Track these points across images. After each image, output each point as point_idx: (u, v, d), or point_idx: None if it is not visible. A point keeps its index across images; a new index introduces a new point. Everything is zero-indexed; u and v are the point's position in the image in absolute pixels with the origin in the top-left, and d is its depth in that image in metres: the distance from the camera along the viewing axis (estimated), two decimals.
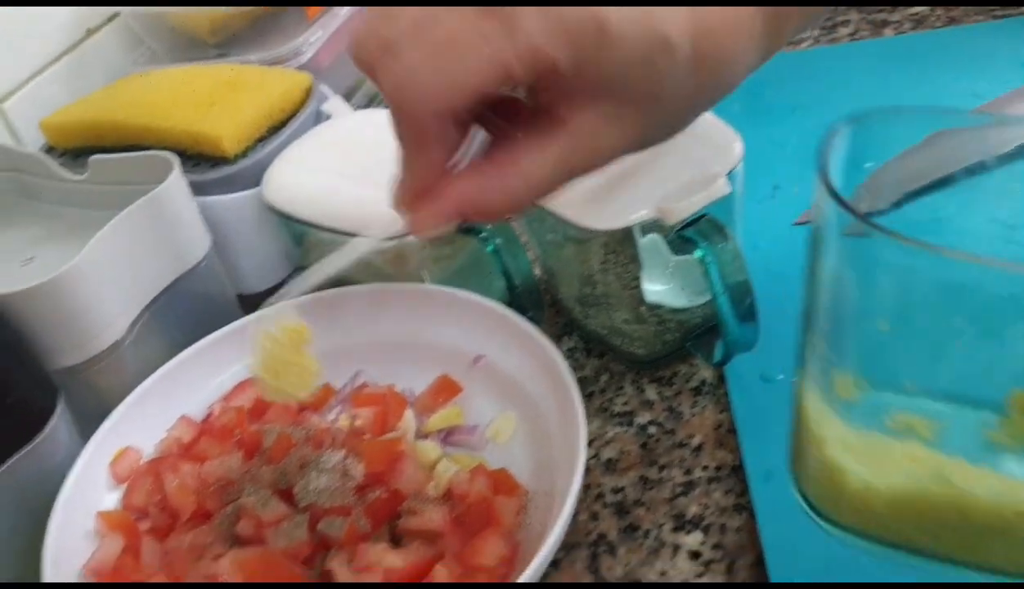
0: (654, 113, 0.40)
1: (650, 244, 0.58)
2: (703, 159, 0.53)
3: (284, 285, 0.66)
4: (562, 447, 0.51)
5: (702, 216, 0.52)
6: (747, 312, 0.52)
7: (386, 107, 0.39)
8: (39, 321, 0.52)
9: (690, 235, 0.51)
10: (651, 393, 0.58)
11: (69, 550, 0.49)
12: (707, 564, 0.49)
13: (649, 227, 0.55)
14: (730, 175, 0.53)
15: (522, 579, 0.42)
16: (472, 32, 0.35)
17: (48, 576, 0.47)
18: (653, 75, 0.38)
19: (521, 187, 0.40)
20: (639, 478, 0.54)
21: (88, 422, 0.55)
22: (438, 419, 0.56)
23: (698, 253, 0.51)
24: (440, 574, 0.46)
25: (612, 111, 0.39)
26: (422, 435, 0.56)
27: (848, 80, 0.78)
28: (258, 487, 0.49)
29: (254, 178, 0.63)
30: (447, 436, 0.56)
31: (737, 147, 0.54)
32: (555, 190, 0.41)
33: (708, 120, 0.56)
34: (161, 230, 0.57)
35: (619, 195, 0.53)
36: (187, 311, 0.60)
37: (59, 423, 0.52)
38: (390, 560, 0.46)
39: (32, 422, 0.51)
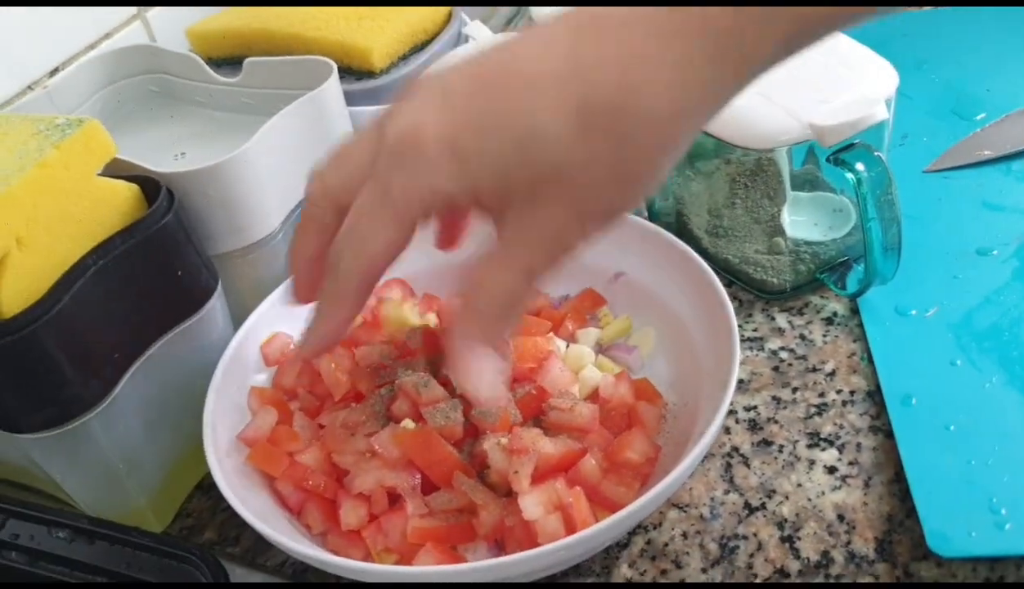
0: (571, 192, 0.37)
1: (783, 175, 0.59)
2: (856, 83, 0.54)
3: None
4: (708, 361, 0.52)
5: (853, 143, 0.53)
6: (893, 241, 0.53)
7: None
8: (206, 203, 0.54)
9: (846, 158, 0.52)
10: (782, 321, 0.59)
11: (223, 419, 0.51)
12: (843, 478, 0.50)
13: (799, 151, 0.56)
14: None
15: (668, 482, 0.43)
16: (364, 210, 0.40)
17: (208, 440, 0.49)
18: (532, 165, 0.37)
19: (487, 300, 0.40)
20: (771, 398, 0.55)
21: (237, 310, 0.57)
22: (611, 331, 0.58)
23: (853, 176, 0.52)
24: (588, 465, 0.48)
25: (523, 205, 0.38)
26: (572, 339, 0.57)
27: (971, 39, 0.78)
28: (415, 371, 0.50)
29: (396, 94, 0.65)
30: (605, 349, 0.58)
31: (892, 74, 0.54)
32: (525, 294, 0.41)
33: (858, 48, 0.57)
34: (317, 131, 0.58)
35: (769, 115, 0.54)
36: None
37: (217, 304, 0.54)
38: (544, 445, 0.47)
39: (196, 298, 0.53)
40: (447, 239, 0.49)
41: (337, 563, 0.43)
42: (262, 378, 0.56)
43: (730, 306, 0.51)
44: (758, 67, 0.36)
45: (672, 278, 0.56)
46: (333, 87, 0.59)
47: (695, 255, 0.55)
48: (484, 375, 0.41)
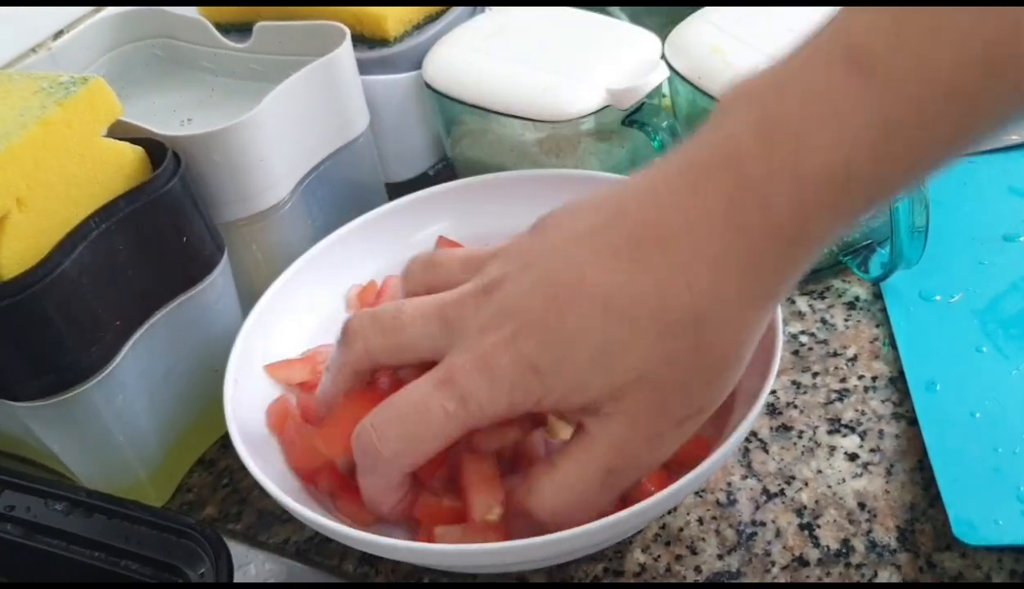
0: (658, 396, 0.38)
1: None
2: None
3: (427, 175, 0.67)
4: None
5: None
6: (921, 223, 0.52)
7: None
8: (213, 169, 0.52)
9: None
10: (802, 305, 0.58)
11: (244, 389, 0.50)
12: (865, 466, 0.49)
13: None
14: None
15: (702, 469, 0.41)
16: (435, 408, 0.39)
17: (228, 399, 0.48)
18: (612, 374, 0.38)
19: (560, 498, 0.41)
20: (791, 382, 0.54)
21: (243, 282, 0.56)
22: None
23: None
24: None
25: (607, 407, 0.39)
26: None
27: None
28: None
29: (410, 63, 0.63)
30: None
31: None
32: (601, 504, 0.41)
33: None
34: (328, 98, 0.57)
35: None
36: (341, 186, 0.60)
37: (222, 274, 0.53)
38: None
39: (201, 267, 0.51)
40: None
41: (358, 536, 0.42)
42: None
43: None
44: (823, 245, 0.37)
45: None
46: (346, 53, 0.57)
47: None
48: None
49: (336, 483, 0.47)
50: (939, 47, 0.32)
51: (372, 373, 0.45)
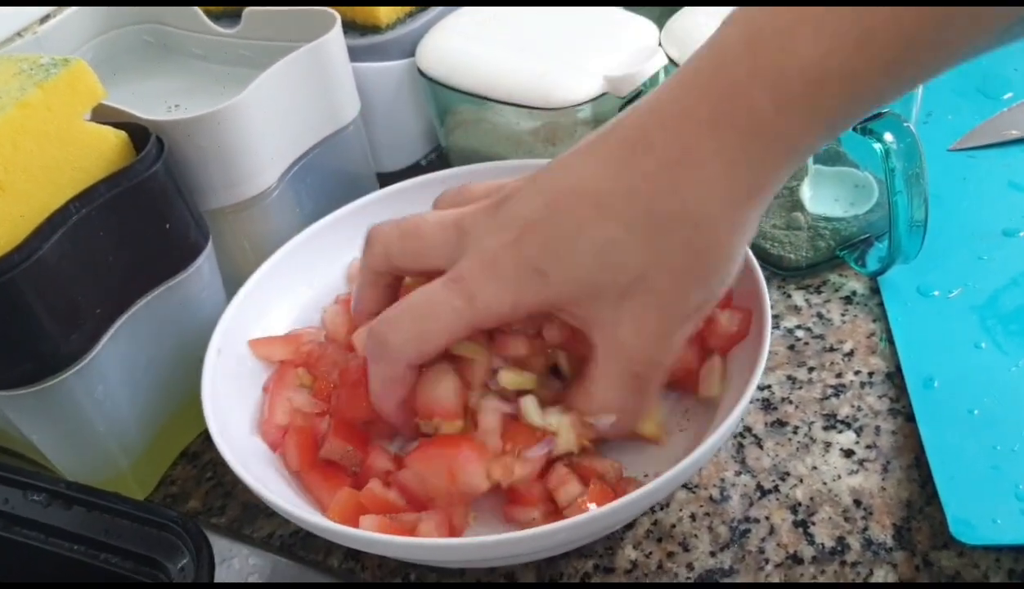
0: (659, 296, 0.40)
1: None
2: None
3: (420, 164, 0.66)
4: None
5: (882, 112, 0.50)
6: (920, 217, 0.51)
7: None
8: (199, 155, 0.51)
9: (874, 127, 0.49)
10: (799, 299, 0.57)
11: (223, 384, 0.49)
12: (861, 462, 0.48)
13: None
14: None
15: (689, 462, 0.40)
16: (443, 303, 0.42)
17: (207, 399, 0.47)
18: (614, 271, 0.40)
19: (602, 410, 0.44)
20: (787, 378, 0.53)
21: (228, 270, 0.55)
22: None
23: (880, 147, 0.49)
24: None
25: (612, 314, 0.41)
26: None
27: None
28: None
29: (402, 50, 0.62)
30: None
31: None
32: (643, 405, 0.44)
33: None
34: (318, 84, 0.56)
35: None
36: (330, 174, 0.59)
37: (207, 262, 0.52)
38: None
39: (184, 254, 0.50)
40: None
41: (338, 530, 0.41)
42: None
43: (759, 269, 0.48)
44: (806, 147, 0.39)
45: None
46: (336, 39, 0.56)
47: None
48: None
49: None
50: None
51: (390, 282, 0.47)
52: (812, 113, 0.37)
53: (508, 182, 0.45)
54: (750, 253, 0.49)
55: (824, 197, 0.58)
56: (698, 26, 0.57)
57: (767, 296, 0.47)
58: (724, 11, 0.56)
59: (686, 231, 0.39)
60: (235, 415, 0.48)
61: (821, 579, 0.43)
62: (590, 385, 0.43)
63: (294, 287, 0.55)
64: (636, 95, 0.56)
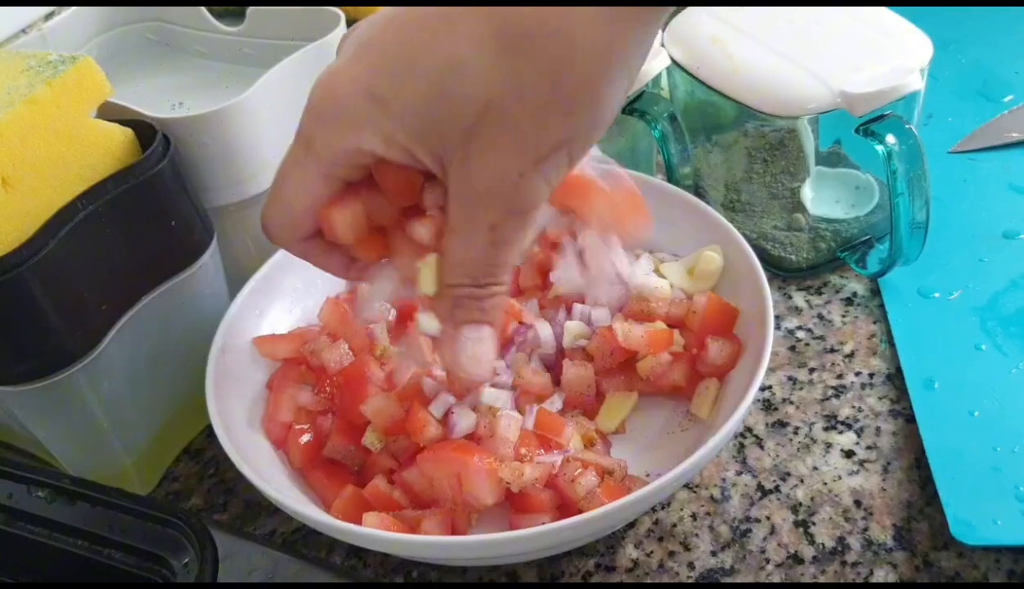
0: (510, 130, 0.34)
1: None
2: (889, 52, 0.52)
3: None
4: (728, 295, 0.50)
5: (884, 114, 0.51)
6: (921, 218, 0.51)
7: None
8: (203, 153, 0.51)
9: (876, 129, 0.50)
10: (799, 300, 0.57)
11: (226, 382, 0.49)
12: (861, 463, 0.48)
13: (827, 128, 0.54)
14: None
15: (692, 462, 0.41)
16: (288, 162, 0.38)
17: (210, 395, 0.47)
18: (455, 101, 0.34)
19: (458, 276, 0.38)
20: (787, 378, 0.53)
21: (231, 268, 0.55)
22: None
23: (883, 149, 0.49)
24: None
25: (461, 151, 0.35)
26: None
27: (1001, 21, 0.75)
28: None
29: None
30: None
31: (926, 43, 0.52)
32: (499, 258, 0.37)
33: (890, 17, 0.54)
34: None
35: (798, 81, 0.52)
36: None
37: (211, 259, 0.52)
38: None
39: (189, 252, 0.51)
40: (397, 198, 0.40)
41: (341, 527, 0.41)
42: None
43: (761, 271, 0.49)
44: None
45: (697, 242, 0.54)
46: (339, 38, 0.56)
47: (723, 219, 0.52)
48: (476, 358, 0.39)
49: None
50: None
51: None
52: None
53: None
54: (752, 255, 0.50)
55: (825, 198, 0.59)
56: (700, 26, 0.57)
57: (770, 301, 0.47)
58: (726, 11, 0.57)
59: (543, 50, 0.33)
60: (239, 412, 0.49)
61: (821, 579, 0.44)
62: (445, 238, 0.38)
63: (297, 285, 0.55)
64: (639, 96, 0.56)
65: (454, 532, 0.44)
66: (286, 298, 0.55)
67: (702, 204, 0.54)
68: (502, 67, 0.33)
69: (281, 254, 0.54)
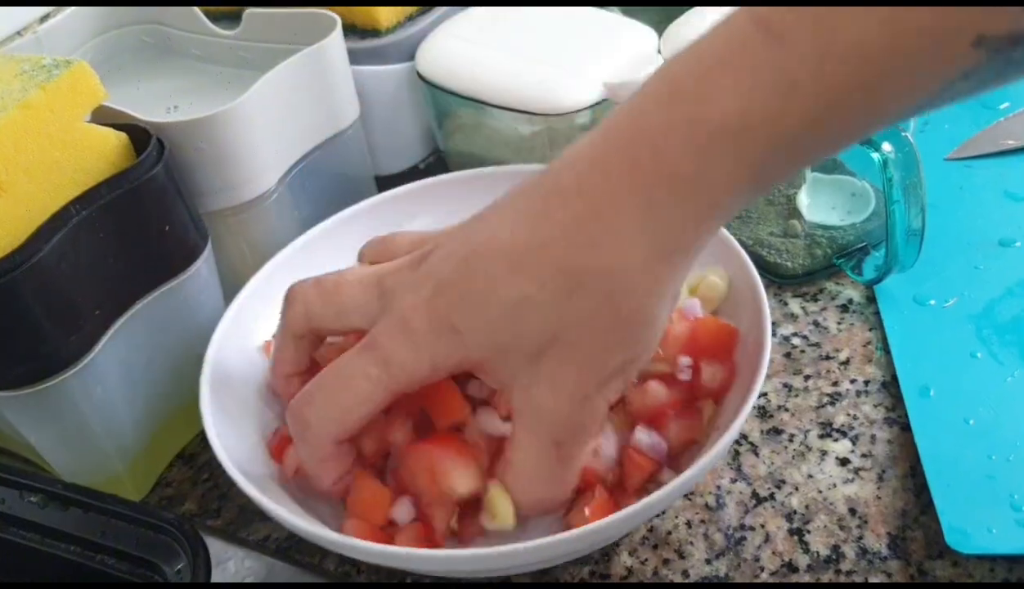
0: (577, 354, 0.38)
1: None
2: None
3: (418, 168, 0.66)
4: (731, 315, 0.50)
5: None
6: (917, 226, 0.51)
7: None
8: (199, 157, 0.51)
9: (873, 136, 0.50)
10: (795, 307, 0.57)
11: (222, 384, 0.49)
12: (856, 471, 0.48)
13: None
14: None
15: (691, 473, 0.41)
16: (358, 373, 0.40)
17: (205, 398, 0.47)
18: (525, 332, 0.38)
19: (524, 489, 0.41)
20: (783, 385, 0.53)
21: (226, 273, 0.55)
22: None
23: (879, 156, 0.49)
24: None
25: (528, 377, 0.39)
26: None
27: None
28: None
29: (402, 54, 0.63)
30: None
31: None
32: (565, 476, 0.41)
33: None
34: (317, 88, 0.56)
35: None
36: (329, 177, 0.59)
37: (205, 265, 0.52)
38: None
39: (183, 257, 0.50)
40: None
41: (334, 539, 0.41)
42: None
43: (758, 278, 0.48)
44: (730, 202, 0.37)
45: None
46: (337, 42, 0.56)
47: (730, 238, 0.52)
48: None
49: None
50: (845, 20, 0.32)
51: (312, 341, 0.45)
52: (733, 165, 0.35)
53: (432, 235, 0.44)
54: (750, 263, 0.49)
55: (821, 205, 0.59)
56: (697, 32, 0.57)
57: (767, 311, 0.47)
58: (719, 16, 0.57)
59: (600, 288, 0.37)
60: (233, 419, 0.48)
61: None
62: (510, 453, 0.41)
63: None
64: None
65: (429, 543, 0.43)
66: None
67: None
68: (564, 302, 0.37)
69: (281, 257, 0.54)
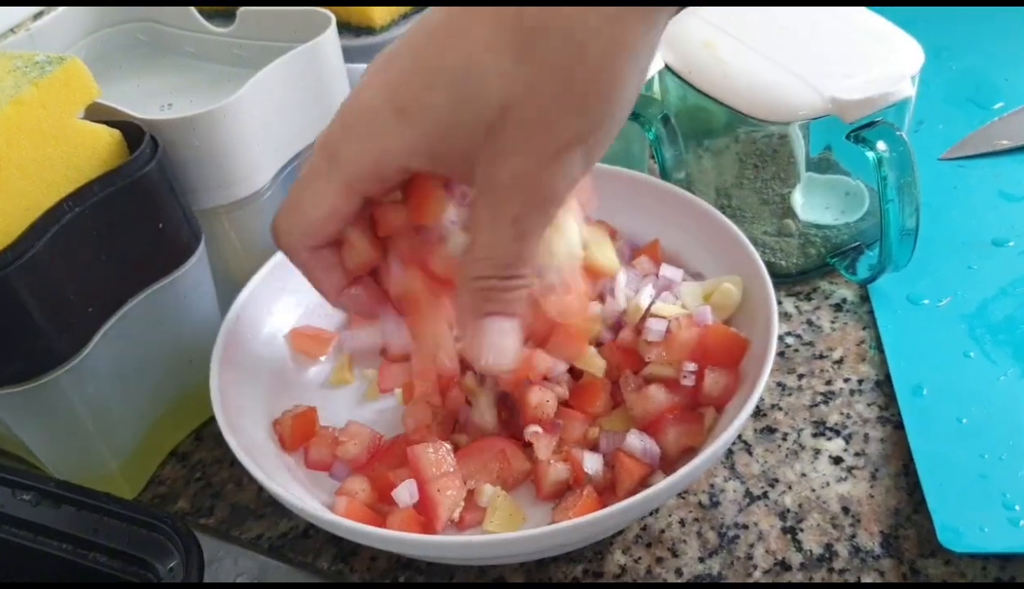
0: (528, 130, 0.35)
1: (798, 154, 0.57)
2: (881, 59, 0.52)
3: None
4: (744, 324, 0.49)
5: (874, 120, 0.51)
6: (911, 225, 0.51)
7: None
8: (192, 154, 0.51)
9: (867, 136, 0.50)
10: (789, 306, 0.57)
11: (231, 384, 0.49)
12: (849, 470, 0.48)
13: (817, 135, 0.54)
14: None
15: (687, 470, 0.41)
16: (311, 173, 0.39)
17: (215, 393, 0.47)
18: (475, 106, 0.35)
19: (483, 267, 0.39)
20: (776, 384, 0.53)
21: (220, 270, 0.55)
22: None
23: (873, 155, 0.49)
24: None
25: (484, 152, 0.36)
26: None
27: (992, 28, 0.76)
28: None
29: None
30: None
31: (917, 50, 0.52)
32: (523, 250, 0.38)
33: (882, 23, 0.54)
34: (312, 85, 0.56)
35: (789, 87, 0.52)
36: None
37: (199, 262, 0.52)
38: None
39: (177, 254, 0.50)
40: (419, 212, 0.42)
41: (348, 526, 0.41)
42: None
43: (765, 272, 0.48)
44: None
45: (702, 243, 0.54)
46: (331, 39, 0.56)
47: (724, 217, 0.52)
48: (501, 350, 0.39)
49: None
50: None
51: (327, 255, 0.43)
52: None
53: None
54: (765, 273, 0.49)
55: (815, 204, 0.59)
56: (692, 31, 0.57)
57: (776, 325, 0.46)
58: (718, 16, 0.57)
59: (557, 48, 0.34)
60: (242, 408, 0.49)
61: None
62: (471, 233, 0.39)
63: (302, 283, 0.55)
64: None
65: (422, 528, 0.44)
66: (291, 296, 0.55)
67: (733, 227, 0.52)
68: (516, 68, 0.34)
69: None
